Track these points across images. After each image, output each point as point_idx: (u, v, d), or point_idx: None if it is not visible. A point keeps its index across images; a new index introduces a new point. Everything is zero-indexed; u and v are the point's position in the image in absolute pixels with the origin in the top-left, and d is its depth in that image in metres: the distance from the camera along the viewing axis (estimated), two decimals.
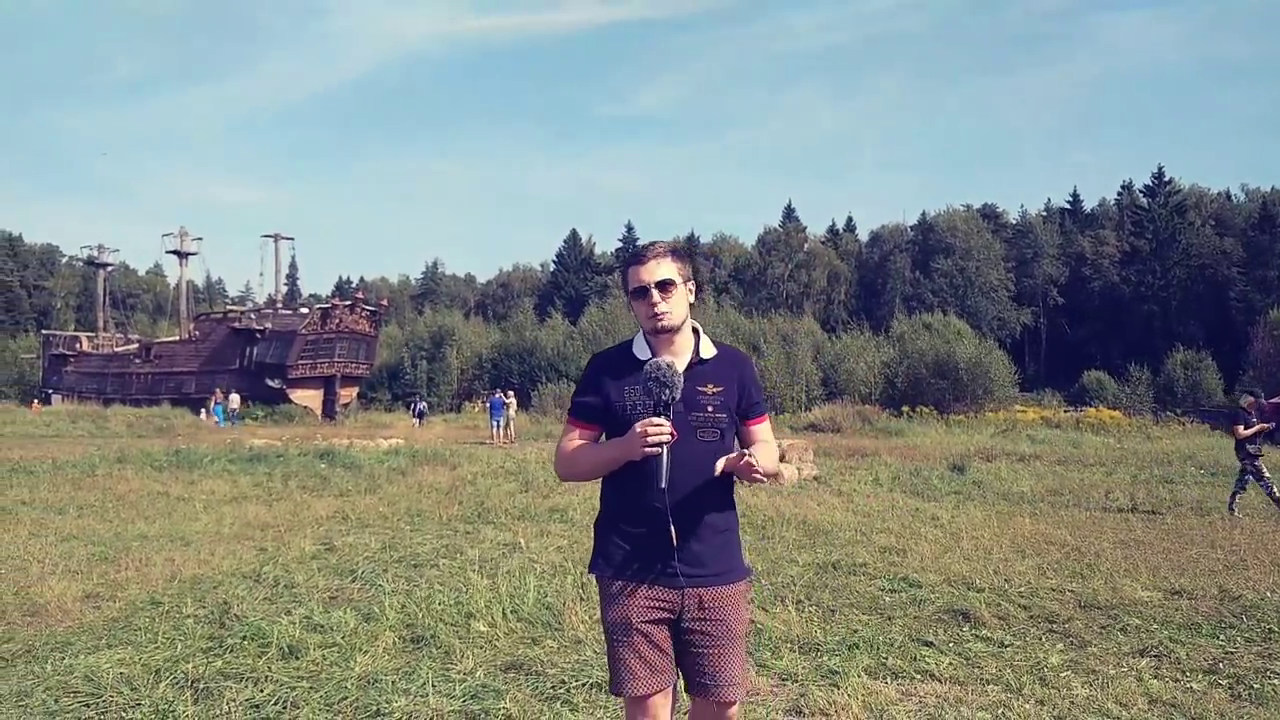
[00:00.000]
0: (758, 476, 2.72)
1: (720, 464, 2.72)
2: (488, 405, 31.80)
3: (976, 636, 5.78)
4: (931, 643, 5.60)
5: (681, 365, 2.83)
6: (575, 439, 2.93)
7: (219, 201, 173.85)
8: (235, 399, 42.47)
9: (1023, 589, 7.11)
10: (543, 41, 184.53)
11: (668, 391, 2.64)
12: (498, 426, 28.64)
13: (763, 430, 3.01)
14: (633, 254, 2.91)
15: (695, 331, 2.95)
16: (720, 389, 2.86)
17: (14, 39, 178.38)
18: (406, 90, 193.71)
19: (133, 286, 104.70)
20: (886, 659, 5.24)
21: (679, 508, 2.76)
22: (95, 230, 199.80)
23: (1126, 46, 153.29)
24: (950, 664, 5.19)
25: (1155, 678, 4.99)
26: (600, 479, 2.97)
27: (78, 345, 59.74)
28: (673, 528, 2.74)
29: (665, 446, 2.62)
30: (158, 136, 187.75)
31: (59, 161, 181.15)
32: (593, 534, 3.02)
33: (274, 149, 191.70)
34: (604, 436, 2.94)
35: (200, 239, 63.11)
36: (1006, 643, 5.65)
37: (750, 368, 3.01)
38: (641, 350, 2.90)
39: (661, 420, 2.63)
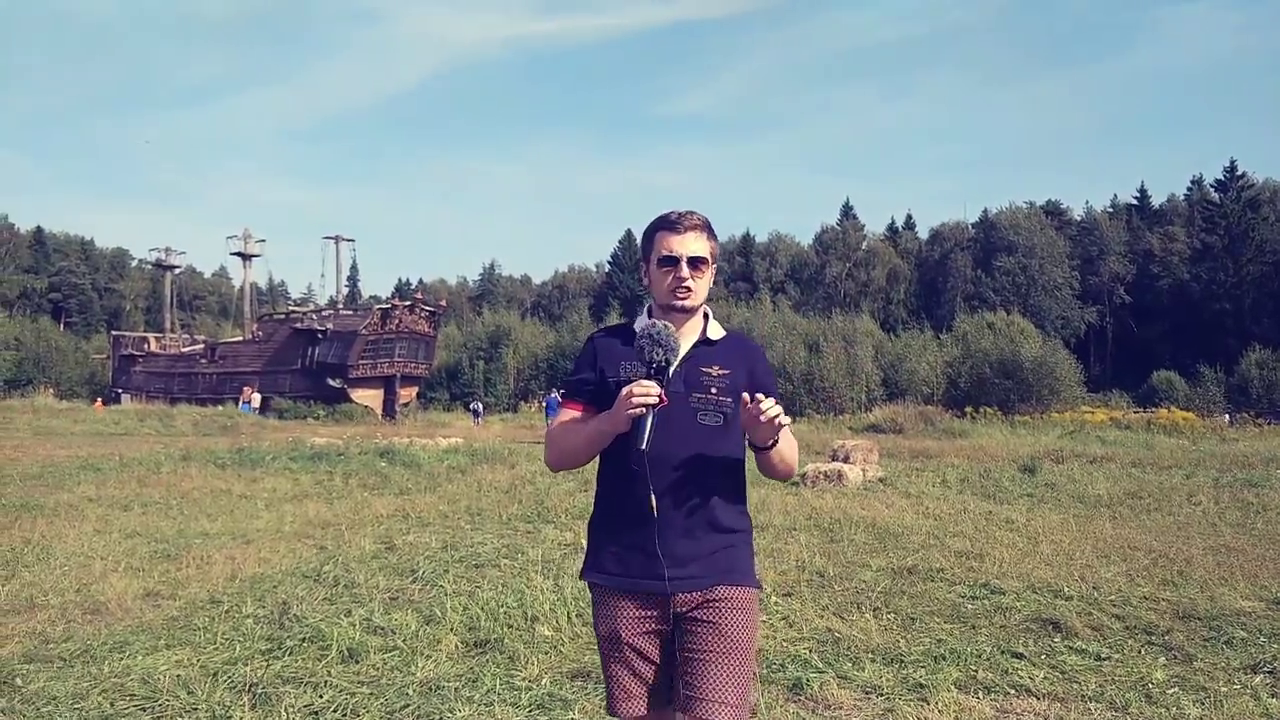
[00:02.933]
0: (767, 431, 2.48)
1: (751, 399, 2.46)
2: (544, 405, 32.05)
3: (1070, 648, 5.42)
4: (1022, 654, 5.26)
5: (687, 345, 2.63)
6: (565, 420, 2.69)
7: (282, 204, 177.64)
8: (257, 398, 46.02)
9: (1114, 597, 6.71)
10: (597, 43, 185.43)
11: (661, 351, 2.43)
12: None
13: None
14: (664, 219, 2.68)
15: (705, 314, 2.73)
16: (727, 371, 2.62)
17: (83, 52, 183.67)
18: (463, 94, 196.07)
19: (198, 288, 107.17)
20: (976, 672, 4.91)
21: (666, 492, 2.51)
22: (163, 234, 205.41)
23: (1194, 37, 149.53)
24: (1045, 678, 4.84)
25: (1272, 696, 4.61)
26: (598, 474, 2.73)
27: (146, 346, 61.06)
28: (652, 495, 2.48)
29: (651, 410, 2.37)
30: (223, 142, 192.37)
31: (128, 168, 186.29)
32: (586, 536, 2.76)
33: (336, 153, 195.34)
34: None
35: (263, 241, 64.23)
36: (1103, 655, 5.28)
37: (762, 357, 2.77)
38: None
39: (650, 382, 2.39)
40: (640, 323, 2.66)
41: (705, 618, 2.55)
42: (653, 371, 2.44)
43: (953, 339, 52.75)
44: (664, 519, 2.51)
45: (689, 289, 2.62)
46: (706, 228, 2.68)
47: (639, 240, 3.01)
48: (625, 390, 2.41)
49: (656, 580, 2.52)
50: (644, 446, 2.38)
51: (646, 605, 2.56)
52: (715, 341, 2.69)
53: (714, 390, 2.60)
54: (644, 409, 2.38)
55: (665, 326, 2.48)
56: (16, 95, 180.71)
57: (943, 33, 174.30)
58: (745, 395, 2.45)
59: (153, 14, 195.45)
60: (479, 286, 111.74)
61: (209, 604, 6.42)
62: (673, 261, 2.62)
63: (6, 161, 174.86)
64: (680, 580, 2.53)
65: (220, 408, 42.54)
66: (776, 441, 2.56)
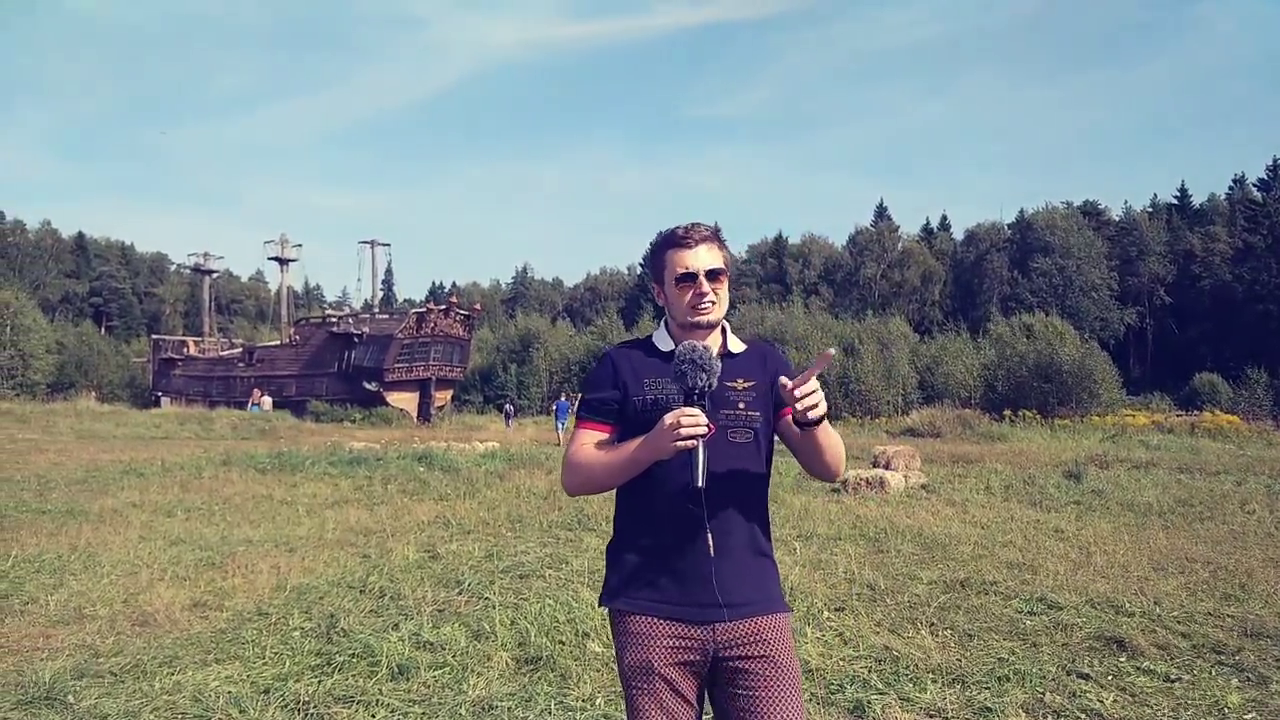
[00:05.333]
0: (811, 402, 2.26)
1: (787, 381, 2.30)
2: (554, 410, 32.51)
3: (1137, 669, 5.24)
4: (1088, 675, 5.09)
5: None
6: (589, 443, 2.49)
7: (318, 209, 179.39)
8: (267, 401, 46.91)
9: (1176, 613, 6.51)
10: (632, 45, 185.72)
11: (704, 376, 2.24)
12: (561, 428, 30.45)
13: None
14: (671, 236, 2.55)
15: (723, 328, 2.61)
16: (752, 384, 2.50)
17: (126, 60, 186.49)
18: (498, 97, 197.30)
19: (236, 292, 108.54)
20: (1043, 694, 4.75)
21: (714, 524, 2.38)
22: (201, 238, 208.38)
23: (1235, 34, 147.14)
24: (1115, 701, 4.68)
25: None
26: (615, 495, 2.57)
27: (185, 350, 61.76)
28: (710, 534, 2.35)
29: (701, 440, 2.22)
30: (260, 147, 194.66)
31: (168, 174, 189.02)
32: (605, 561, 2.59)
33: (371, 157, 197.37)
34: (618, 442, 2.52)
35: (300, 245, 64.84)
36: (1173, 677, 5.10)
37: (782, 357, 2.65)
38: (664, 342, 2.55)
39: (695, 410, 2.22)
40: (659, 337, 2.59)
41: (755, 653, 2.39)
42: (695, 398, 2.27)
43: (989, 341, 52.09)
44: (715, 549, 2.39)
45: (711, 303, 2.50)
46: (716, 238, 2.57)
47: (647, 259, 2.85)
48: (670, 419, 2.24)
49: (705, 609, 2.37)
50: (700, 484, 2.24)
51: (684, 635, 2.38)
52: (737, 354, 2.58)
53: (741, 405, 2.47)
54: (695, 441, 2.23)
55: (705, 348, 2.29)
56: (60, 103, 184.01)
57: (979, 32, 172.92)
58: (784, 379, 2.31)
59: (194, 22, 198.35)
60: (511, 289, 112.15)
61: (256, 616, 6.39)
62: (690, 278, 2.50)
63: (50, 168, 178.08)
64: (725, 609, 2.37)
65: (259, 410, 43.01)
66: (822, 419, 2.37)
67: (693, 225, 2.56)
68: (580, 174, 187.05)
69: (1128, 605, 6.67)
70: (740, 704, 2.37)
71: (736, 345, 2.60)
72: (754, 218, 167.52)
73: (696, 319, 2.50)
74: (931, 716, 4.51)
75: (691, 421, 2.21)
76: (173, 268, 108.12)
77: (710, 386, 2.26)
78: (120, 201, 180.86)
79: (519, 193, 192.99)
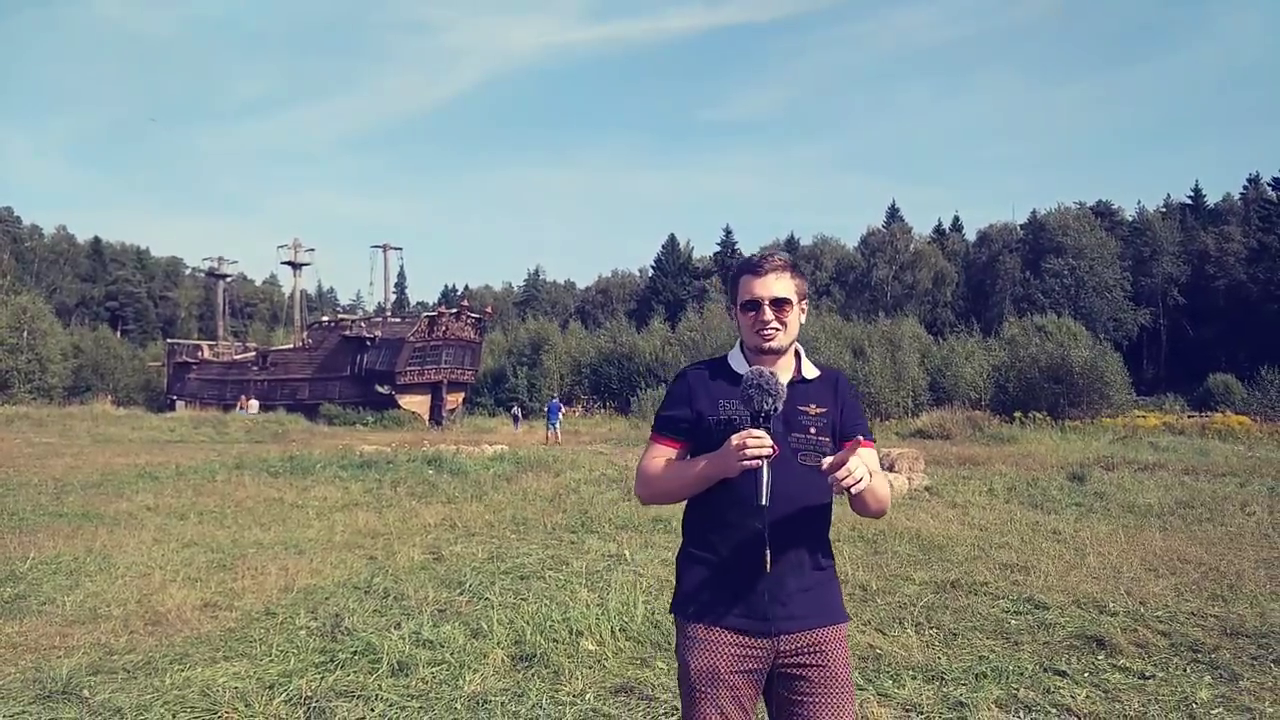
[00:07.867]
0: (850, 483, 2.32)
1: (827, 461, 2.38)
2: (546, 411, 33.40)
3: (1113, 666, 5.41)
4: (1065, 672, 5.26)
5: (782, 383, 2.53)
6: (660, 457, 2.67)
7: (331, 213, 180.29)
8: (254, 405, 47.93)
9: (1160, 613, 6.66)
10: (646, 49, 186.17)
11: (770, 400, 2.37)
12: (553, 428, 32.26)
13: (865, 456, 2.55)
14: (748, 262, 2.68)
15: (797, 353, 2.72)
16: (824, 410, 2.62)
17: (142, 67, 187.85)
18: (512, 101, 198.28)
19: (250, 296, 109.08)
20: (1017, 690, 4.93)
21: (774, 536, 2.45)
22: (216, 243, 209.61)
23: (1249, 33, 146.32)
24: (1087, 697, 4.85)
25: None
26: (684, 505, 2.71)
27: (199, 353, 62.17)
28: (768, 550, 2.43)
29: (766, 461, 2.35)
30: (275, 152, 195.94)
31: (184, 179, 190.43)
32: (675, 569, 2.72)
33: (384, 162, 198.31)
34: (690, 456, 2.66)
35: (313, 250, 65.25)
36: (1147, 674, 5.26)
37: (851, 388, 2.77)
38: (739, 364, 2.67)
39: (761, 432, 2.35)
40: (734, 358, 2.70)
41: (812, 661, 2.52)
42: (761, 420, 2.40)
43: (1000, 342, 51.99)
44: (775, 565, 2.49)
45: (774, 331, 2.61)
46: (789, 268, 2.68)
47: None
48: (736, 440, 2.37)
49: (765, 621, 2.50)
50: (764, 502, 2.37)
51: (749, 645, 2.51)
52: (811, 380, 2.69)
53: (813, 430, 2.60)
54: (759, 461, 2.35)
55: (772, 374, 2.43)
56: (77, 109, 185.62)
57: (992, 33, 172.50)
58: (824, 460, 2.40)
59: (211, 29, 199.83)
60: (523, 292, 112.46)
61: (264, 615, 6.61)
62: (755, 305, 2.62)
63: (66, 173, 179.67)
64: (788, 621, 2.51)
65: (272, 414, 43.36)
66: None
67: (768, 254, 2.69)
68: (593, 176, 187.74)
69: (1112, 605, 6.83)
70: (794, 709, 2.52)
71: (810, 371, 2.71)
72: (766, 219, 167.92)
73: (761, 344, 2.61)
74: (908, 711, 4.68)
75: (757, 443, 2.34)
76: (188, 272, 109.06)
77: (775, 410, 2.40)
78: (136, 206, 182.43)
79: (532, 196, 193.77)
